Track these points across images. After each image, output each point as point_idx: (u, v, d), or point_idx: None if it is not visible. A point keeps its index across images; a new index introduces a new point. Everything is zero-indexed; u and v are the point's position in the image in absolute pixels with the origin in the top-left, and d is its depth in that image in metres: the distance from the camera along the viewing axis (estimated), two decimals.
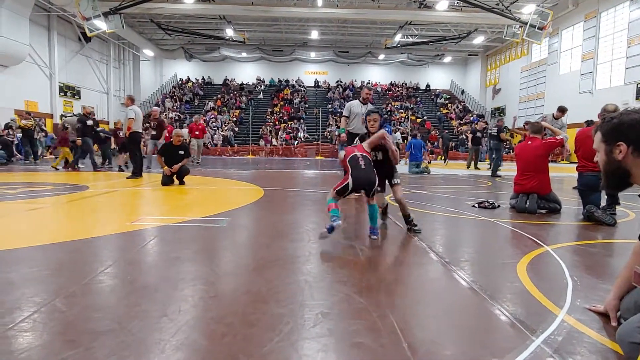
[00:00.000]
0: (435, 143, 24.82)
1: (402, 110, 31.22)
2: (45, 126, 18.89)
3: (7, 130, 14.07)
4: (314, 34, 27.48)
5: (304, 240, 3.46)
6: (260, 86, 33.90)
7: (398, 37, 26.57)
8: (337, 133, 14.31)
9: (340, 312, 1.95)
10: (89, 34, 19.92)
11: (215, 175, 10.16)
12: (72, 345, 1.60)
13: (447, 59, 33.45)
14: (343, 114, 6.84)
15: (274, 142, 25.92)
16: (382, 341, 1.67)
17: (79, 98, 23.83)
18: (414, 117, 30.15)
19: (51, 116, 21.18)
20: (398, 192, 3.93)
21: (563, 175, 11.92)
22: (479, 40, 27.80)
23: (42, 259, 2.88)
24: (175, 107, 30.22)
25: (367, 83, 34.72)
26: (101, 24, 19.02)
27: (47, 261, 2.83)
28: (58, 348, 1.57)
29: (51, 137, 18.31)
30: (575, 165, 5.15)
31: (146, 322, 1.81)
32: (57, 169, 10.86)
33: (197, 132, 14.09)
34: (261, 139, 26.22)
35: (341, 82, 34.51)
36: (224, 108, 30.31)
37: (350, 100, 7.33)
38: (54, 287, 2.28)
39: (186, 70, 34.32)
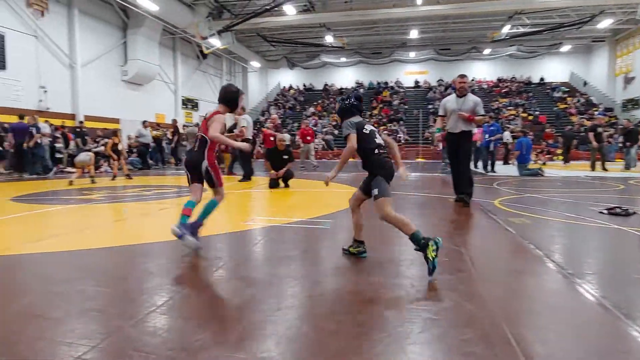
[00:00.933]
0: (551, 141, 22.45)
1: (511, 108, 28.86)
2: (171, 136, 21.43)
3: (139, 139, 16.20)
4: (413, 34, 26.83)
5: (408, 244, 3.42)
6: (360, 89, 34.17)
7: (506, 29, 24.62)
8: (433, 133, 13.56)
9: (449, 319, 1.90)
10: (205, 52, 22.12)
11: (318, 178, 10.51)
12: (202, 329, 1.81)
13: (565, 47, 29.99)
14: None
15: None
16: (496, 352, 1.59)
17: (198, 109, 26.62)
18: (525, 115, 27.66)
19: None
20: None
21: None
22: (605, 23, 24.41)
23: (170, 253, 3.29)
24: (279, 114, 32.02)
25: (472, 80, 32.84)
26: (215, 42, 21.00)
27: (175, 255, 3.22)
28: (191, 331, 1.80)
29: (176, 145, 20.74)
30: None
31: (262, 314, 1.97)
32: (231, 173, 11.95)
33: (308, 137, 14.15)
34: None
35: (442, 81, 33.15)
36: (324, 113, 31.19)
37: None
38: (183, 278, 2.60)
39: (289, 78, 36.07)
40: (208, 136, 3.23)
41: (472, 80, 32.96)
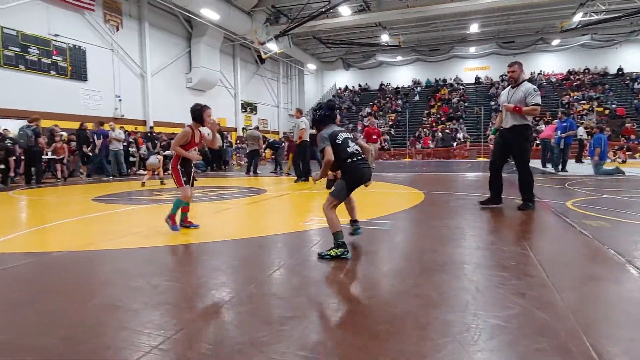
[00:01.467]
0: (633, 137, 20.50)
1: (584, 102, 26.74)
2: (230, 139, 22.34)
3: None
4: (474, 28, 25.74)
5: (471, 246, 3.30)
6: (416, 88, 33.43)
7: (578, 17, 22.85)
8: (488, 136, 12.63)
9: (519, 327, 1.80)
10: (263, 56, 22.81)
11: (374, 178, 10.41)
12: (267, 325, 1.87)
13: None
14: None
15: (430, 144, 25.21)
16: None
17: (256, 112, 27.49)
18: (600, 109, 25.49)
19: (235, 129, 24.88)
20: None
21: None
22: None
23: (235, 251, 3.43)
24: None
25: (538, 74, 30.88)
26: (273, 46, 21.58)
27: (239, 253, 3.35)
28: (257, 327, 1.86)
29: (236, 148, 21.57)
30: None
31: (324, 313, 2.00)
32: (288, 174, 12.36)
33: (374, 137, 13.38)
34: (417, 142, 25.81)
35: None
36: (380, 112, 30.86)
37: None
38: (247, 275, 2.70)
39: (344, 79, 36.14)
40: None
41: (540, 73, 31.02)
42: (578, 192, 6.73)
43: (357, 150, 3.17)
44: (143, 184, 9.46)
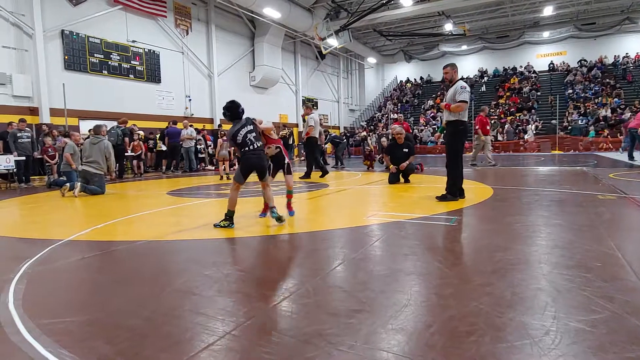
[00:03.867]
0: None
1: None
2: (293, 134, 22.81)
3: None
4: (548, 11, 23.87)
5: (547, 245, 3.08)
6: (483, 78, 31.78)
7: None
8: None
9: (608, 333, 1.65)
10: (323, 52, 22.93)
11: (436, 173, 10.10)
12: (334, 317, 1.89)
13: None
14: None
15: (499, 137, 23.86)
16: None
17: (317, 108, 27.75)
18: None
19: (296, 125, 25.34)
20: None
21: None
22: None
23: (298, 244, 3.50)
24: (396, 109, 31.55)
25: (624, 57, 27.97)
26: (333, 42, 21.62)
27: (303, 246, 3.42)
28: (323, 318, 1.88)
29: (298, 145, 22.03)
30: None
31: (390, 309, 1.97)
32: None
33: (487, 127, 11.92)
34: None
35: (585, 61, 28.88)
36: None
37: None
38: (311, 268, 2.74)
39: (406, 71, 35.32)
40: None
41: (626, 56, 28.14)
42: None
43: (251, 143, 4.07)
44: (222, 177, 10.07)
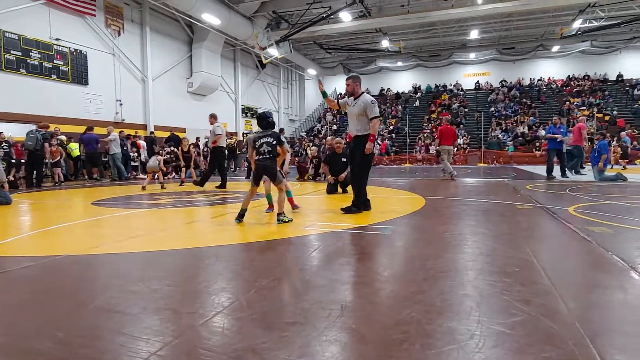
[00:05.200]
0: (634, 143, 20.50)
1: (584, 108, 26.78)
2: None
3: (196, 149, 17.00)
4: (474, 34, 25.84)
5: (473, 252, 3.27)
6: (417, 93, 33.49)
7: (577, 24, 22.93)
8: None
9: (525, 335, 1.77)
10: (264, 62, 22.85)
11: (374, 184, 10.39)
12: (268, 331, 1.84)
13: None
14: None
15: (432, 150, 25.19)
16: None
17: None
18: (600, 115, 25.51)
19: (235, 134, 24.91)
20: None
21: None
22: None
23: (233, 256, 3.40)
24: (335, 120, 32.18)
25: (538, 80, 30.94)
26: (274, 51, 21.63)
27: (239, 258, 3.33)
28: (258, 333, 1.83)
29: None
30: None
31: (326, 320, 1.96)
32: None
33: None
34: (417, 147, 25.82)
35: (506, 81, 31.58)
36: (381, 118, 30.90)
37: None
38: (247, 280, 2.66)
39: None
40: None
41: (540, 79, 31.11)
42: (580, 198, 6.71)
43: (264, 151, 4.72)
44: (144, 188, 9.43)
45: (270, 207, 5.72)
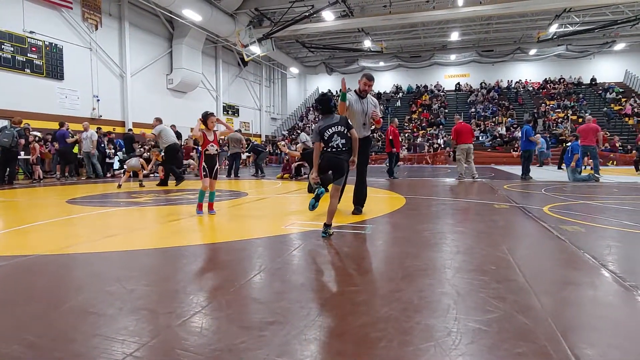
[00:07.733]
0: (606, 145, 21.17)
1: (559, 110, 27.54)
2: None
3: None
4: (454, 36, 26.25)
5: (451, 251, 3.32)
6: (398, 94, 33.80)
7: (553, 28, 23.57)
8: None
9: (500, 331, 1.81)
10: (246, 59, 22.68)
11: (353, 182, 10.41)
12: (246, 330, 1.82)
13: (619, 46, 28.32)
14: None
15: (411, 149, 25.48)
16: None
17: (238, 115, 27.29)
18: (575, 117, 26.29)
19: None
20: None
21: None
22: None
23: (213, 255, 3.37)
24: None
25: (516, 82, 31.65)
26: (256, 49, 21.50)
27: (218, 257, 3.29)
28: (236, 332, 1.81)
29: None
30: None
31: (305, 319, 1.96)
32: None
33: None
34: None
35: (485, 83, 32.21)
36: None
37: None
38: (226, 280, 2.64)
39: (327, 83, 36.27)
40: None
41: (518, 81, 31.81)
42: (554, 197, 6.89)
43: (337, 145, 3.84)
44: (119, 186, 9.25)
45: (200, 208, 5.25)
